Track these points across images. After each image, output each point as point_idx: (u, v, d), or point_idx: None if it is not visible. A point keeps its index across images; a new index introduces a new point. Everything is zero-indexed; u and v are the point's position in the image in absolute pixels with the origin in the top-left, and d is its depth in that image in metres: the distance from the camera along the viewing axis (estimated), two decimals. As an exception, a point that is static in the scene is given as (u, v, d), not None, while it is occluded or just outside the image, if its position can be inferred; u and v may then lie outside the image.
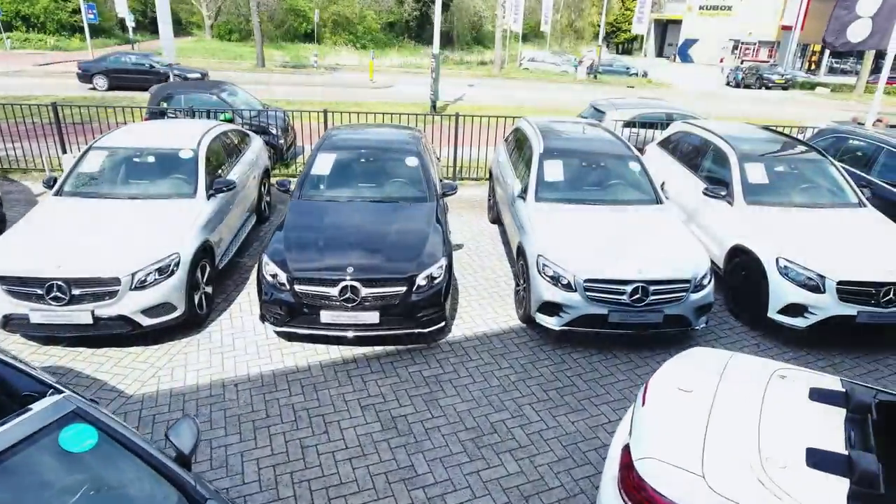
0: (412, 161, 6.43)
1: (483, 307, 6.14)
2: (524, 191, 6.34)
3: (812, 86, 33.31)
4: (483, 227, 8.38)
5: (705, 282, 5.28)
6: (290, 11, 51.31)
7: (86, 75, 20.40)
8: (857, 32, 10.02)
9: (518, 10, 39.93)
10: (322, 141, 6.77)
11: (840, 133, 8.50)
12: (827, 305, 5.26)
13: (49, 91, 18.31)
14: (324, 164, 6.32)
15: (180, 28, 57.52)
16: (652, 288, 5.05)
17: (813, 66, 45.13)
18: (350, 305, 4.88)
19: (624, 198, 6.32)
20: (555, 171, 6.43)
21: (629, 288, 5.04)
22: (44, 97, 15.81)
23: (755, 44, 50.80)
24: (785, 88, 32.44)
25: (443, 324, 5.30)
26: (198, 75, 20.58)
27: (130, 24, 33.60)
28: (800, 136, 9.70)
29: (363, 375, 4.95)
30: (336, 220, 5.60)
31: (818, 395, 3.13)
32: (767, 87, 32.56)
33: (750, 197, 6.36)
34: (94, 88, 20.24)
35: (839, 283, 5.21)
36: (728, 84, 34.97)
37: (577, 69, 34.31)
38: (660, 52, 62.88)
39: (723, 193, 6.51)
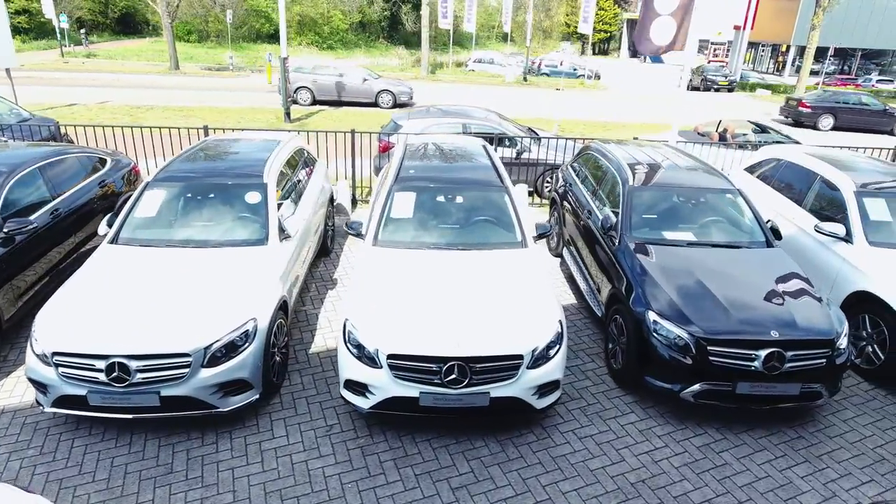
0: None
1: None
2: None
3: (755, 87, 31.95)
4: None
5: (243, 345, 4.16)
6: (251, 12, 50.43)
7: (814, 114, 20.10)
8: (662, 35, 8.95)
9: (471, 10, 38.82)
10: None
11: (592, 150, 7.32)
12: (384, 384, 4.12)
13: None
14: None
15: (149, 27, 56.80)
16: (134, 364, 3.94)
17: (780, 67, 43.85)
18: None
19: (219, 238, 5.15)
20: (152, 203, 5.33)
21: (103, 364, 3.93)
22: None
23: (725, 44, 49.49)
24: (730, 90, 31.05)
25: None
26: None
27: (61, 25, 32.78)
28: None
29: None
30: None
31: None
32: (716, 90, 31.22)
33: (384, 233, 5.23)
34: (814, 128, 19.84)
35: (390, 356, 4.08)
36: (679, 86, 33.60)
37: (525, 71, 33.14)
38: (634, 53, 61.61)
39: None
